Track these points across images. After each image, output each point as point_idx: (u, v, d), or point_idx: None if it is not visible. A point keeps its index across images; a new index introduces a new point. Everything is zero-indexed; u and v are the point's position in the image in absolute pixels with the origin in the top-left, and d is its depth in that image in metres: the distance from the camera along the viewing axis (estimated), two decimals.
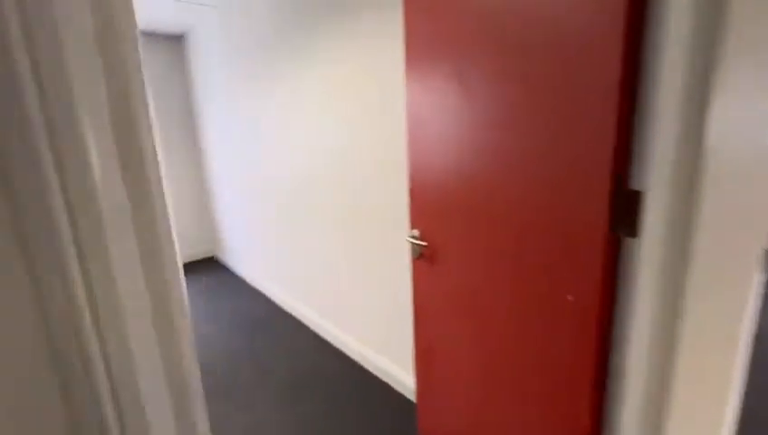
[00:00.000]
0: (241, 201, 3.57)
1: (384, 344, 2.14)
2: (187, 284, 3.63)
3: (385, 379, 2.13)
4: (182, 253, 4.16)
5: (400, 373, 2.02)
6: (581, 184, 0.86)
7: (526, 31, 0.91)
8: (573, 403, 0.99)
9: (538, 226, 0.98)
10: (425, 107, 1.23)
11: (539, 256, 0.99)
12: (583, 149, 0.84)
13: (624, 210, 0.81)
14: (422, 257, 1.37)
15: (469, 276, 1.22)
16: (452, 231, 1.24)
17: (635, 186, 0.80)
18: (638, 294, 0.81)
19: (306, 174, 2.50)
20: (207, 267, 4.19)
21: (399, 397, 1.99)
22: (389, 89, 1.67)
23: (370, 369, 2.24)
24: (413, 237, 1.36)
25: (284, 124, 2.62)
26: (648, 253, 0.78)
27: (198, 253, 4.39)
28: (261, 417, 1.91)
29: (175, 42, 3.91)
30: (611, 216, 0.82)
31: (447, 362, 1.41)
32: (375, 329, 2.20)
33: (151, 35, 3.74)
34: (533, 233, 0.99)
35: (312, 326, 2.77)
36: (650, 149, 0.75)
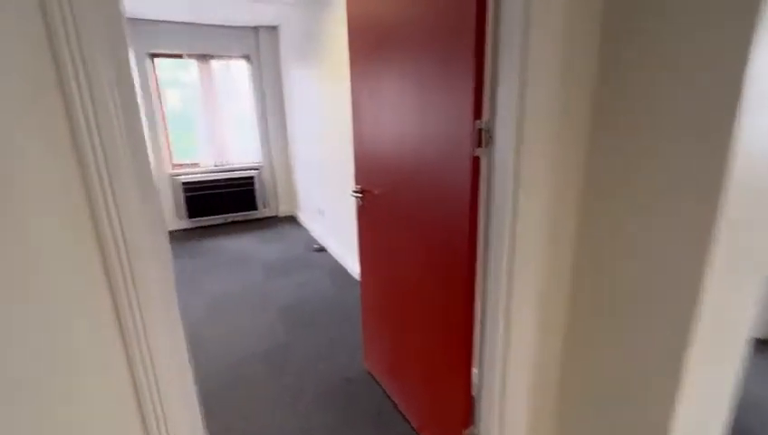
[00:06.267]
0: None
1: None
2: None
3: None
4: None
5: None
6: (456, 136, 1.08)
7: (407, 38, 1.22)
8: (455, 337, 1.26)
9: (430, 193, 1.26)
10: (361, 95, 1.57)
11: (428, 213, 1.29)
12: (454, 110, 1.10)
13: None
14: (362, 208, 1.70)
15: (388, 227, 1.54)
16: (377, 185, 1.57)
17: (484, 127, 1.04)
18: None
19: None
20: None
21: None
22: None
23: None
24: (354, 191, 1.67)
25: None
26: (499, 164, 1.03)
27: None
28: None
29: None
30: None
31: (378, 302, 1.76)
32: None
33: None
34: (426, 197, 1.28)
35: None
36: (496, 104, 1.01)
